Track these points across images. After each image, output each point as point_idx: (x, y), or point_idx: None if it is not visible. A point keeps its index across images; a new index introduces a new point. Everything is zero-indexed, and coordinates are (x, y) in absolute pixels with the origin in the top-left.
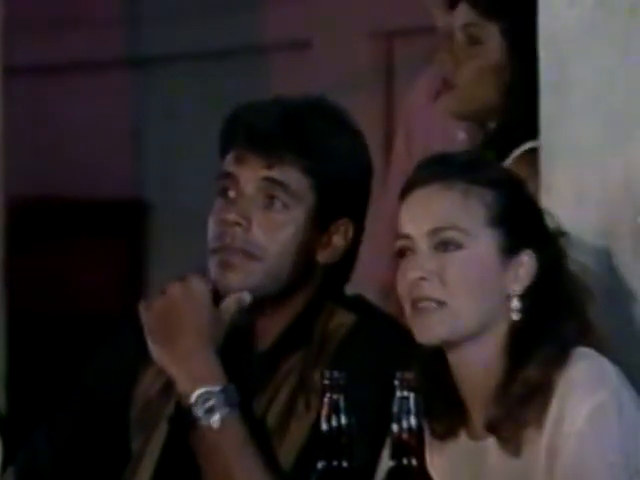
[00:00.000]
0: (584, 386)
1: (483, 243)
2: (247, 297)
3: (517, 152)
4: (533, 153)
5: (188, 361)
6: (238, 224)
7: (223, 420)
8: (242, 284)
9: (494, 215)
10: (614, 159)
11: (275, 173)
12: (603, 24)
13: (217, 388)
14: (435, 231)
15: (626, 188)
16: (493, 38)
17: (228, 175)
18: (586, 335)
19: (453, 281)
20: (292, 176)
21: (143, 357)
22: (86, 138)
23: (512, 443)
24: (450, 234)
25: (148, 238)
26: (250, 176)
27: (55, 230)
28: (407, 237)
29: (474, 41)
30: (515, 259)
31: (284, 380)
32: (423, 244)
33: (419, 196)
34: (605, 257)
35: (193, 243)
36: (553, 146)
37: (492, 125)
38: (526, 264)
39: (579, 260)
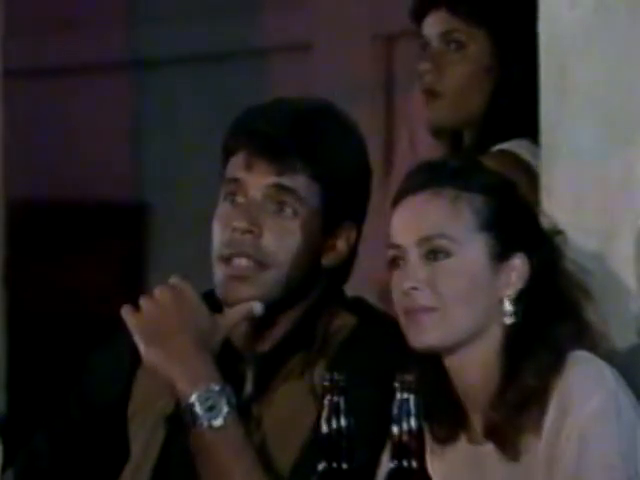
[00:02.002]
0: (581, 390)
1: (473, 249)
2: (259, 309)
3: (487, 154)
4: (504, 155)
5: (185, 361)
6: (249, 232)
7: (225, 419)
8: (253, 295)
9: (483, 220)
10: (614, 161)
11: (285, 180)
12: (603, 26)
13: (217, 387)
14: (424, 240)
15: (626, 190)
16: (477, 42)
17: (235, 180)
18: (583, 336)
19: (444, 289)
20: (301, 182)
21: (140, 358)
22: (86, 140)
23: (511, 448)
24: (439, 242)
25: (148, 240)
26: (259, 182)
27: (55, 232)
28: (397, 246)
29: (458, 47)
30: (507, 263)
31: (284, 382)
32: (413, 253)
33: (408, 204)
34: (605, 259)
35: (193, 245)
36: (553, 148)
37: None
38: (518, 268)
39: (578, 261)
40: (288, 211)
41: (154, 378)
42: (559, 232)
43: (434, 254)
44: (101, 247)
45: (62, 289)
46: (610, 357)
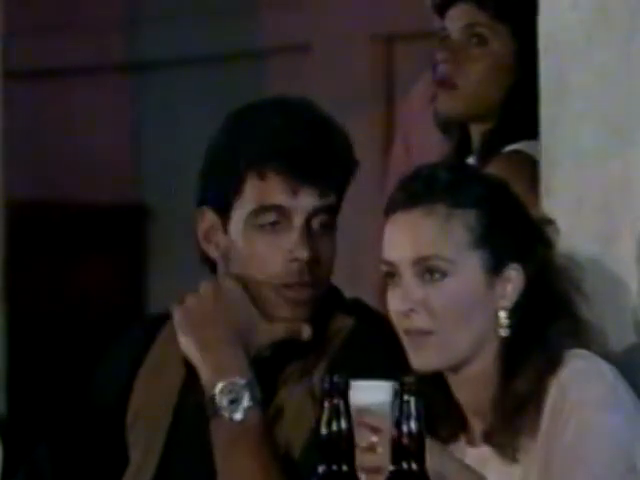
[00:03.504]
0: (579, 383)
1: (468, 267)
2: (307, 333)
3: (499, 155)
4: (517, 155)
5: (214, 351)
6: (313, 261)
7: (246, 413)
8: (306, 316)
9: (477, 237)
10: (614, 162)
11: (327, 201)
12: (604, 28)
13: (243, 381)
14: (419, 260)
15: (626, 192)
16: (500, 39)
17: (278, 207)
18: (580, 334)
19: (440, 311)
20: (333, 197)
21: (139, 368)
22: (86, 142)
23: (508, 451)
24: (434, 263)
25: (148, 243)
26: (305, 207)
27: (55, 233)
28: (391, 264)
29: (480, 41)
30: (501, 275)
31: (283, 385)
32: (408, 273)
33: (401, 221)
34: (604, 260)
35: (193, 246)
36: (553, 150)
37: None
38: (514, 279)
39: (572, 256)
40: (328, 230)
41: (153, 385)
42: (550, 222)
43: (429, 274)
44: (101, 249)
45: (62, 290)
46: (608, 358)
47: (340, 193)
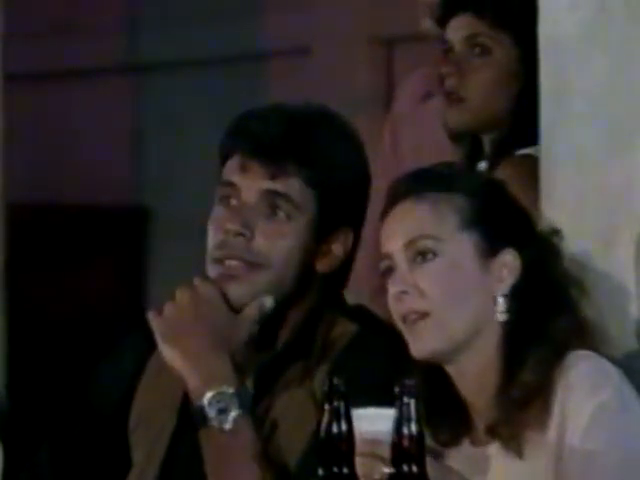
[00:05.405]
0: (586, 386)
1: (458, 247)
2: (269, 302)
3: (510, 158)
4: (529, 159)
5: (200, 361)
6: (241, 234)
7: (235, 422)
8: (244, 296)
9: (467, 218)
10: (615, 166)
11: (278, 185)
12: (604, 30)
13: (231, 390)
14: (409, 243)
15: (626, 195)
16: (502, 47)
17: (230, 184)
18: (581, 333)
19: (431, 291)
20: (294, 187)
21: (142, 370)
22: (86, 144)
23: (514, 444)
24: (423, 243)
25: (148, 245)
26: (253, 186)
27: (55, 235)
28: (387, 255)
29: (483, 51)
30: (496, 259)
31: (285, 390)
32: (401, 259)
33: (393, 214)
34: (605, 263)
35: (193, 249)
36: (553, 153)
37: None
38: (509, 263)
39: (577, 259)
40: (281, 215)
41: (155, 388)
42: (555, 231)
43: (421, 256)
44: (101, 251)
45: (63, 292)
46: (609, 360)
47: (323, 193)
